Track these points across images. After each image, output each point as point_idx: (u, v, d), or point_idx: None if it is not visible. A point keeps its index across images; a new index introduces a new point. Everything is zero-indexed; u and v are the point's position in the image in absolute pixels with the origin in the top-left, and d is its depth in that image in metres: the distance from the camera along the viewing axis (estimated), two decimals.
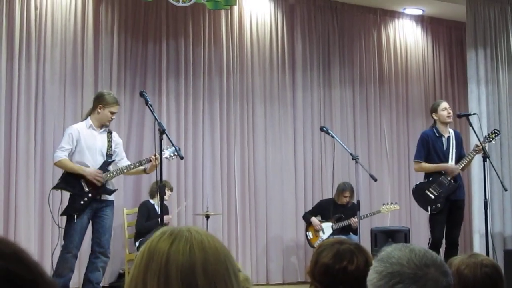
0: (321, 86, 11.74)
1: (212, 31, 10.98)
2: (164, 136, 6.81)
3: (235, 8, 11.01)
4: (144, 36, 10.53)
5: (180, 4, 9.93)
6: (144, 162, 7.63)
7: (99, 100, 7.58)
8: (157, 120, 6.89)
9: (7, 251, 1.02)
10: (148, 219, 9.47)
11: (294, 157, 11.36)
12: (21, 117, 9.42)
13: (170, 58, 10.62)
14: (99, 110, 7.54)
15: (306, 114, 11.53)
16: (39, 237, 9.35)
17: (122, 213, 9.83)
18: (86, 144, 7.48)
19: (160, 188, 6.87)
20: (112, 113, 7.57)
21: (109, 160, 7.59)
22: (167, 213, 9.62)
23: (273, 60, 11.39)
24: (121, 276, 9.89)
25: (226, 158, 10.87)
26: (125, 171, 7.66)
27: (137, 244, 9.35)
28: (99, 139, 7.57)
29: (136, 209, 9.73)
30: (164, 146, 7.40)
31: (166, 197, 9.04)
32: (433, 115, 8.86)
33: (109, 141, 7.64)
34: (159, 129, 6.82)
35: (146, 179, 10.07)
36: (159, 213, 7.85)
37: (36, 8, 9.68)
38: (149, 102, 7.06)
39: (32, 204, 9.29)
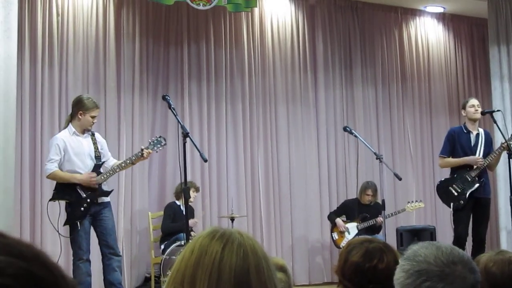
0: (343, 86, 11.73)
1: (233, 33, 10.99)
2: (188, 139, 6.82)
3: (256, 10, 11.01)
4: (165, 40, 10.56)
5: (201, 7, 9.96)
6: (133, 158, 7.61)
7: (79, 106, 7.51)
8: (180, 124, 6.90)
9: (28, 253, 1.02)
10: (173, 221, 9.47)
11: (318, 158, 11.35)
12: (45, 123, 9.49)
13: (192, 61, 10.64)
14: (79, 117, 7.47)
15: (328, 114, 11.52)
16: (64, 242, 9.38)
17: (147, 216, 9.86)
18: (74, 151, 7.46)
19: (184, 191, 6.87)
20: (93, 117, 7.52)
21: (99, 162, 7.58)
22: (193, 215, 9.63)
23: (294, 61, 11.38)
24: (147, 279, 9.91)
25: (249, 160, 10.87)
26: (117, 170, 7.67)
27: (162, 247, 9.35)
28: (85, 144, 7.54)
29: (161, 213, 9.74)
30: (150, 139, 7.63)
31: (191, 199, 9.06)
32: (462, 112, 8.87)
33: (95, 143, 7.61)
34: (182, 133, 6.82)
35: (170, 182, 10.12)
36: (184, 214, 7.83)
37: (58, 15, 9.73)
38: (172, 106, 7.06)
39: (57, 211, 9.32)
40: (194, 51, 10.69)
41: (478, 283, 2.10)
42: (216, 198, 10.55)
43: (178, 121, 6.95)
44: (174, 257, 8.49)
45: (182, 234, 8.79)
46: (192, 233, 9.18)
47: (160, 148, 7.64)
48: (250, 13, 11.01)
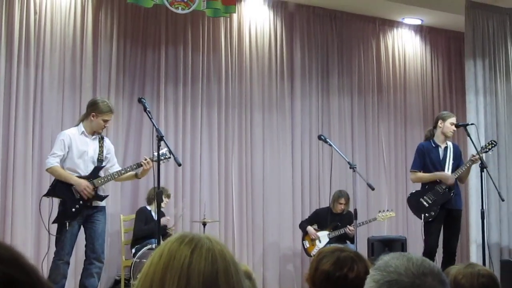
0: (319, 95, 11.75)
1: (211, 38, 10.99)
2: (162, 142, 6.81)
3: (235, 15, 11.01)
4: (143, 42, 10.53)
5: (180, 11, 9.95)
6: (134, 167, 7.60)
7: (93, 108, 7.52)
8: (155, 127, 6.89)
9: (6, 256, 1.02)
10: (145, 225, 9.44)
11: (292, 165, 11.36)
12: (19, 122, 9.42)
13: (169, 64, 10.62)
14: (92, 118, 7.49)
15: (304, 122, 11.54)
16: (35, 241, 9.34)
17: (119, 219, 9.82)
18: (78, 150, 7.44)
19: (157, 195, 6.85)
20: (105, 121, 7.53)
21: (100, 165, 7.56)
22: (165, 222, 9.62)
23: (272, 68, 11.40)
24: (117, 282, 9.87)
25: (223, 165, 10.86)
26: (116, 176, 7.62)
27: (133, 250, 9.33)
28: (91, 146, 7.53)
29: (133, 216, 9.71)
30: (155, 151, 7.50)
31: (163, 205, 9.03)
32: (439, 123, 8.88)
33: (101, 146, 7.60)
34: (157, 136, 6.81)
35: (143, 185, 10.07)
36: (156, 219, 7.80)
37: (35, 13, 9.68)
38: (148, 109, 7.06)
39: (29, 209, 9.28)
40: (172, 55, 10.67)
41: None
42: (189, 202, 10.53)
43: (153, 124, 6.94)
44: (144, 260, 8.45)
45: (153, 239, 8.76)
46: (168, 231, 9.19)
47: (164, 161, 7.54)
48: (228, 18, 11.01)
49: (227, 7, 10.24)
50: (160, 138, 6.77)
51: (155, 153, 7.32)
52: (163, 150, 7.28)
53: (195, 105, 10.74)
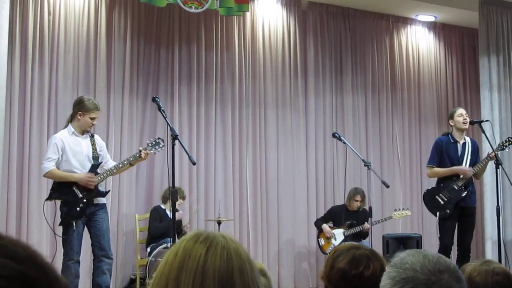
0: (333, 92, 11.73)
1: (224, 37, 10.99)
2: (177, 141, 6.82)
3: (248, 14, 11.02)
4: (156, 41, 10.55)
5: (193, 10, 9.96)
6: (131, 159, 7.61)
7: (79, 107, 7.51)
8: (169, 126, 6.89)
9: (23, 254, 1.03)
10: (160, 223, 9.45)
11: (306, 163, 11.35)
12: (34, 122, 9.45)
13: (183, 63, 10.64)
14: (79, 117, 7.47)
15: (318, 120, 11.53)
16: (51, 241, 9.36)
17: (134, 218, 9.84)
18: (72, 151, 7.45)
19: (172, 193, 6.86)
20: (92, 118, 7.51)
21: (97, 163, 7.57)
22: (179, 220, 9.62)
23: (285, 66, 11.39)
24: (132, 281, 9.89)
25: (238, 164, 10.87)
26: (114, 171, 7.64)
27: (148, 249, 9.34)
28: (84, 145, 7.53)
29: (147, 215, 9.73)
30: (148, 141, 7.66)
31: (177, 206, 9.03)
32: (450, 122, 8.88)
33: (93, 144, 7.60)
34: (171, 135, 6.82)
35: (157, 185, 10.09)
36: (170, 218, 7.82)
37: (49, 14, 9.71)
38: (162, 108, 7.07)
39: (53, 209, 9.29)
40: (185, 54, 10.68)
41: None
42: (203, 201, 10.53)
43: (168, 123, 6.95)
44: (160, 259, 8.44)
45: (169, 238, 8.76)
46: (183, 228, 9.25)
47: (159, 150, 7.62)
48: (242, 17, 11.00)
49: (240, 6, 10.25)
50: (174, 137, 6.78)
51: (148, 142, 7.51)
52: (157, 139, 7.42)
53: (209, 103, 10.74)
